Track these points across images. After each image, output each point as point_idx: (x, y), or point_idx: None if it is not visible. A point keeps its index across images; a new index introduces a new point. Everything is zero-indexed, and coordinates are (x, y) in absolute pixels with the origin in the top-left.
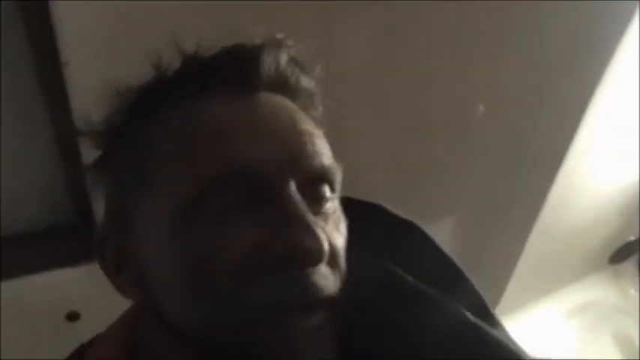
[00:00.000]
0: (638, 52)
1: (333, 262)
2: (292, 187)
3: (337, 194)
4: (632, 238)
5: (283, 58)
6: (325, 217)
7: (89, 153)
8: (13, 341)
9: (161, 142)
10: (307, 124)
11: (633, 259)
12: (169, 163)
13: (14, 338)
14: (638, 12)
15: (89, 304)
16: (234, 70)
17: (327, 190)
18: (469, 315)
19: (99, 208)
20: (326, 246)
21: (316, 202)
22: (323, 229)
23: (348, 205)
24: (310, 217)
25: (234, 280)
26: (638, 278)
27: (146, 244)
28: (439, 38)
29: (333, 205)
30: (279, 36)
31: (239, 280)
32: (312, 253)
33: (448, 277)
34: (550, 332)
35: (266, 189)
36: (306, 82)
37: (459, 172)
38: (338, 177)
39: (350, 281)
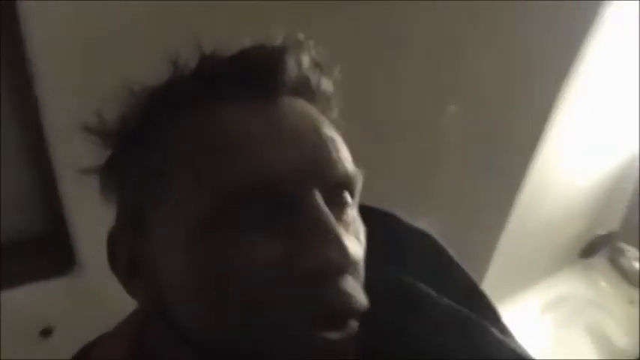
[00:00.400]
0: (606, 48)
1: (355, 272)
2: (317, 196)
3: (357, 200)
4: (602, 232)
5: (305, 61)
6: (346, 225)
7: (62, 165)
8: None
9: (182, 147)
10: (329, 129)
11: (603, 253)
12: (191, 170)
13: None
14: (604, 8)
15: (63, 318)
16: (256, 74)
17: (348, 197)
18: (496, 332)
19: (73, 221)
20: (352, 257)
21: (338, 209)
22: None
23: (363, 211)
24: (337, 228)
25: (258, 293)
26: (608, 271)
27: (163, 250)
28: (408, 38)
29: (352, 212)
30: (300, 36)
31: (264, 293)
32: (339, 265)
33: (464, 290)
34: (526, 327)
35: (291, 199)
36: (326, 84)
37: (430, 172)
38: (359, 184)
39: (367, 293)
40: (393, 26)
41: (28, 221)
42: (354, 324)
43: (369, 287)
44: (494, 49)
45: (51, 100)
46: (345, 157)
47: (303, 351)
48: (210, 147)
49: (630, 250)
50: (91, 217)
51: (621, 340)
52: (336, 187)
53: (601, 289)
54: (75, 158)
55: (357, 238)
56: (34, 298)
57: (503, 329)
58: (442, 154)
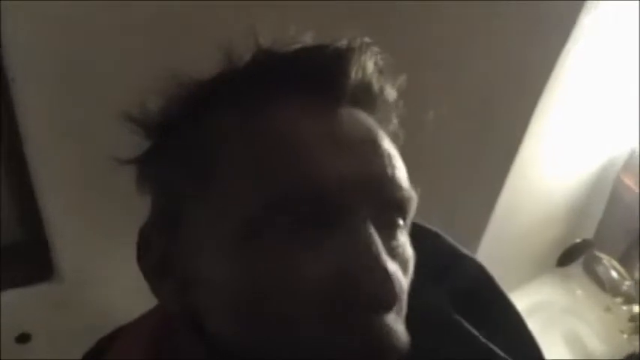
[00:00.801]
0: (585, 51)
1: (398, 307)
2: (366, 219)
3: (409, 224)
4: (578, 240)
5: (370, 67)
6: (394, 252)
7: (38, 170)
8: None
9: (230, 145)
10: (387, 144)
11: (579, 261)
12: (238, 170)
13: None
14: (584, 11)
15: (40, 326)
16: (317, 75)
17: (400, 221)
18: None
19: (52, 229)
20: (398, 295)
21: (387, 232)
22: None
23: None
24: (385, 259)
25: (293, 316)
26: (584, 279)
27: (199, 253)
28: (390, 44)
29: (402, 237)
30: (366, 40)
31: (299, 317)
32: (385, 301)
33: (510, 331)
34: None
35: (340, 214)
36: (389, 93)
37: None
38: (413, 207)
39: (410, 322)
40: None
41: (5, 228)
42: None
43: (411, 317)
44: (474, 55)
45: (29, 106)
46: (400, 176)
47: None
48: (260, 147)
49: (605, 259)
50: (69, 225)
51: (597, 347)
52: (388, 207)
53: (577, 296)
54: (53, 165)
55: (405, 268)
56: (11, 305)
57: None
58: (419, 160)
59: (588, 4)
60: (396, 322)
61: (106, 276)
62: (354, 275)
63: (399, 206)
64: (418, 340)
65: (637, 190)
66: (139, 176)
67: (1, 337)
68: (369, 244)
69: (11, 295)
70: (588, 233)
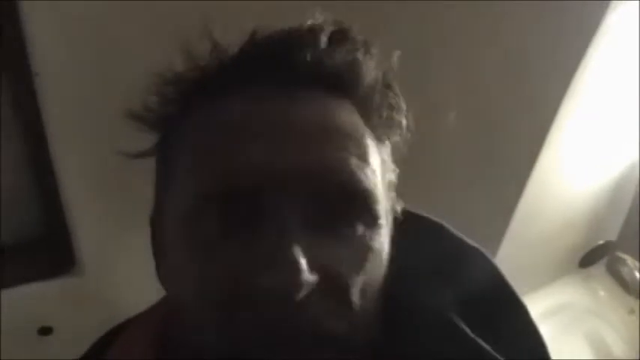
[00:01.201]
0: (607, 58)
1: (338, 296)
2: (285, 208)
3: (378, 219)
4: (601, 241)
5: (344, 51)
6: (336, 242)
7: (61, 164)
8: None
9: (189, 137)
10: (351, 131)
11: (602, 262)
12: (185, 162)
13: None
14: (609, 13)
15: (62, 318)
16: (266, 62)
17: (349, 213)
18: None
19: (73, 221)
20: (309, 278)
21: (332, 225)
22: (322, 256)
23: (410, 220)
24: (294, 247)
25: (211, 311)
26: (607, 280)
27: (168, 240)
28: (407, 38)
29: (358, 230)
30: (344, 24)
31: (216, 312)
32: (290, 289)
33: (512, 314)
34: None
35: (259, 207)
36: (370, 78)
37: (427, 181)
38: (371, 199)
39: (408, 321)
40: (393, 25)
41: (28, 221)
42: (331, 351)
43: (411, 314)
44: (494, 57)
45: (52, 100)
46: (354, 167)
47: None
48: (198, 138)
49: (629, 260)
50: (90, 217)
51: (620, 349)
52: (335, 199)
53: (600, 298)
54: (76, 157)
55: (358, 259)
56: (33, 298)
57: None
58: (440, 162)
59: (613, 4)
60: (331, 310)
61: (127, 269)
62: (259, 263)
63: (346, 197)
64: (413, 343)
65: None
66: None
67: (23, 329)
68: (282, 232)
69: (33, 288)
70: (611, 235)
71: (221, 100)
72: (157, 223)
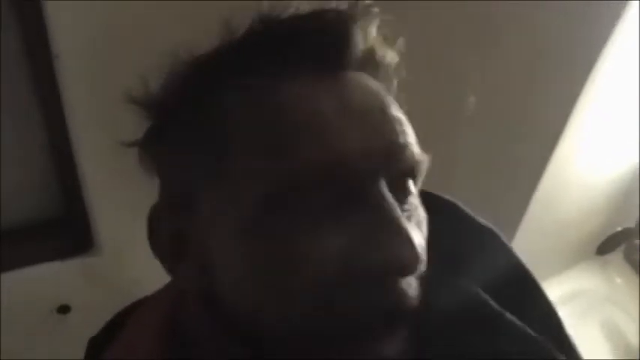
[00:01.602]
0: (636, 42)
1: (418, 271)
2: (384, 186)
3: (419, 186)
4: (619, 228)
5: (373, 30)
6: (409, 215)
7: (80, 145)
8: (4, 334)
9: (241, 122)
10: (395, 109)
11: (620, 250)
12: (251, 148)
13: (5, 332)
14: (629, 6)
15: (80, 297)
16: (322, 45)
17: (412, 185)
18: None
19: (92, 201)
20: (422, 256)
21: (401, 197)
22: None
23: (424, 198)
24: (405, 222)
25: (317, 288)
26: (624, 268)
27: (215, 232)
28: (428, 25)
29: (415, 200)
30: (367, 2)
31: (323, 288)
32: (410, 264)
33: (529, 293)
34: None
35: (356, 187)
36: (392, 57)
37: (446, 167)
38: (424, 169)
39: (427, 298)
40: (411, 12)
41: (46, 201)
42: (410, 324)
43: (431, 293)
44: (518, 45)
45: (71, 82)
46: (412, 141)
47: (361, 350)
48: (273, 123)
49: None
50: (109, 198)
51: (636, 336)
52: (403, 174)
53: (616, 285)
54: (94, 138)
55: (420, 229)
56: (52, 277)
57: (562, 334)
58: (459, 149)
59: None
60: (413, 284)
61: (144, 249)
62: (379, 240)
63: (411, 171)
64: (445, 324)
65: None
66: (141, 159)
67: (42, 308)
68: (391, 210)
69: (51, 268)
70: (630, 222)
71: (274, 83)
72: (169, 215)
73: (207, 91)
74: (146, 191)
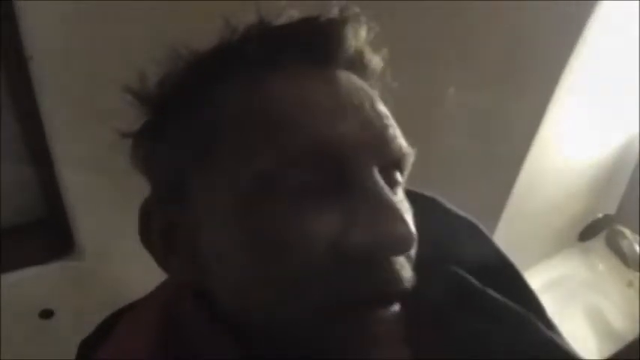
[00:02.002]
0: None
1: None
2: (376, 171)
3: (404, 180)
4: (601, 215)
5: (362, 35)
6: (398, 204)
7: (58, 147)
8: None
9: (233, 111)
10: (381, 105)
11: (602, 236)
12: (243, 134)
13: None
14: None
15: (63, 301)
16: (315, 43)
17: (399, 177)
18: (547, 332)
19: (72, 204)
20: (415, 234)
21: (390, 187)
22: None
23: (406, 195)
24: (398, 204)
25: (309, 269)
26: (606, 254)
27: (206, 220)
28: (408, 19)
29: (401, 193)
30: (356, 9)
31: (315, 269)
32: (404, 241)
33: (509, 280)
34: None
35: (348, 171)
36: (377, 62)
37: (426, 152)
38: (410, 163)
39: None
40: (395, 11)
41: (27, 205)
42: (402, 305)
43: (420, 274)
44: (497, 26)
45: (49, 84)
46: (398, 134)
47: (355, 331)
48: (265, 110)
49: (628, 233)
50: (89, 200)
51: (619, 322)
52: (391, 165)
53: (599, 271)
54: (73, 141)
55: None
56: (33, 281)
57: (544, 318)
58: (439, 136)
59: None
60: (405, 266)
61: (126, 251)
62: (372, 221)
63: (398, 162)
64: (435, 301)
65: None
66: (133, 152)
67: (24, 313)
68: (384, 192)
69: (34, 272)
70: (611, 208)
71: (266, 75)
72: (162, 208)
73: (201, 85)
74: (127, 193)
